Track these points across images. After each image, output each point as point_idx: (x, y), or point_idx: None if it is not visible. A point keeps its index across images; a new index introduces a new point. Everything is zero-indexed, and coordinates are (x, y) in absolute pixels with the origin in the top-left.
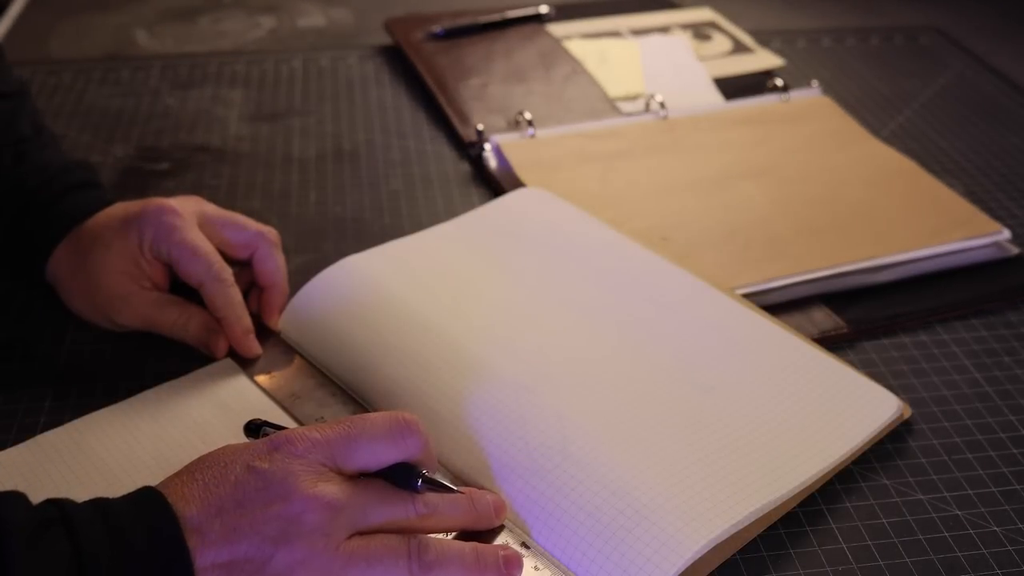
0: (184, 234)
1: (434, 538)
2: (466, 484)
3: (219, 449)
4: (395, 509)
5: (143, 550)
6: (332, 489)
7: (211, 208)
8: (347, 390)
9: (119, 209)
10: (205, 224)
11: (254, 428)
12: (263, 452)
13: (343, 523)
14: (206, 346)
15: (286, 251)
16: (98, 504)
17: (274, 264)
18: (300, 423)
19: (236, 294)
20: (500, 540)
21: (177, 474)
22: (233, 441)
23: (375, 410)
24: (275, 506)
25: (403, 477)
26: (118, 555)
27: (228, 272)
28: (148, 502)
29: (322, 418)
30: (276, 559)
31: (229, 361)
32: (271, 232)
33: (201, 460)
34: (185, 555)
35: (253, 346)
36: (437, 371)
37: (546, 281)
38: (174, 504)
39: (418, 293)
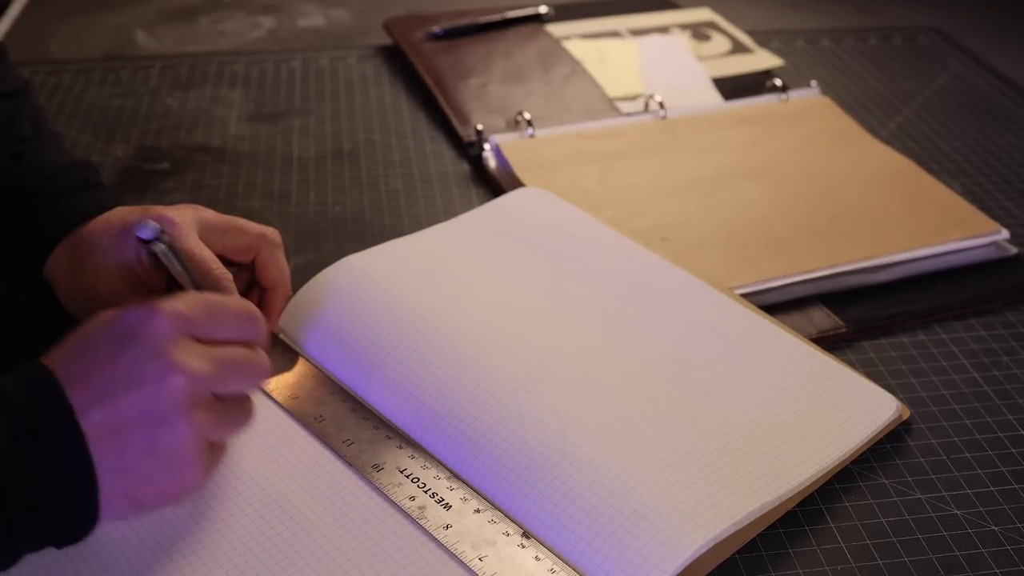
0: (181, 243)
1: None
2: (466, 485)
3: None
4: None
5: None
6: (197, 363)
7: (211, 215)
8: (346, 389)
9: (118, 216)
10: (206, 231)
11: (149, 238)
12: (137, 325)
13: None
14: None
15: (286, 251)
16: None
17: (277, 266)
18: (299, 420)
19: None
20: (499, 531)
21: (65, 350)
22: (233, 441)
23: (375, 412)
24: (149, 386)
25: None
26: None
27: (228, 278)
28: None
29: (321, 417)
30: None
31: None
32: (273, 233)
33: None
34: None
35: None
36: (436, 370)
37: (546, 280)
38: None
39: (418, 292)
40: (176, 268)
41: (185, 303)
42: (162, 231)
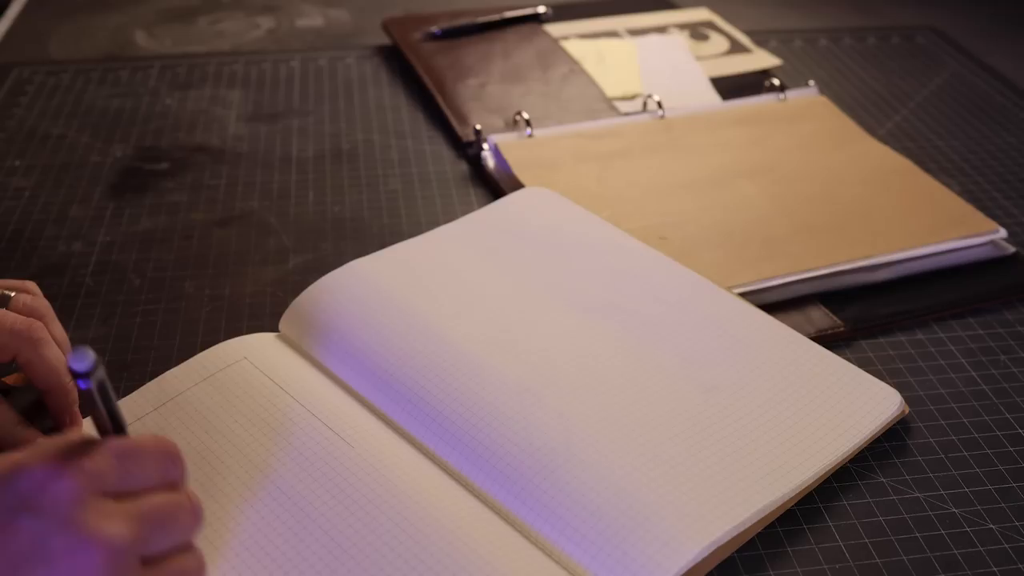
0: None
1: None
2: (470, 486)
3: None
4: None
5: None
6: (116, 527)
7: None
8: (350, 392)
9: None
10: None
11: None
12: (34, 491)
13: (134, 558)
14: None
15: (285, 251)
16: None
17: (46, 367)
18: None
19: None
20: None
21: None
22: (237, 428)
23: (378, 413)
24: (60, 562)
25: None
26: None
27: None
28: None
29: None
30: None
31: (236, 345)
32: (31, 329)
33: None
34: None
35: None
36: (441, 374)
37: (551, 282)
38: None
39: (423, 296)
40: (102, 406)
41: (89, 455)
42: (96, 358)
